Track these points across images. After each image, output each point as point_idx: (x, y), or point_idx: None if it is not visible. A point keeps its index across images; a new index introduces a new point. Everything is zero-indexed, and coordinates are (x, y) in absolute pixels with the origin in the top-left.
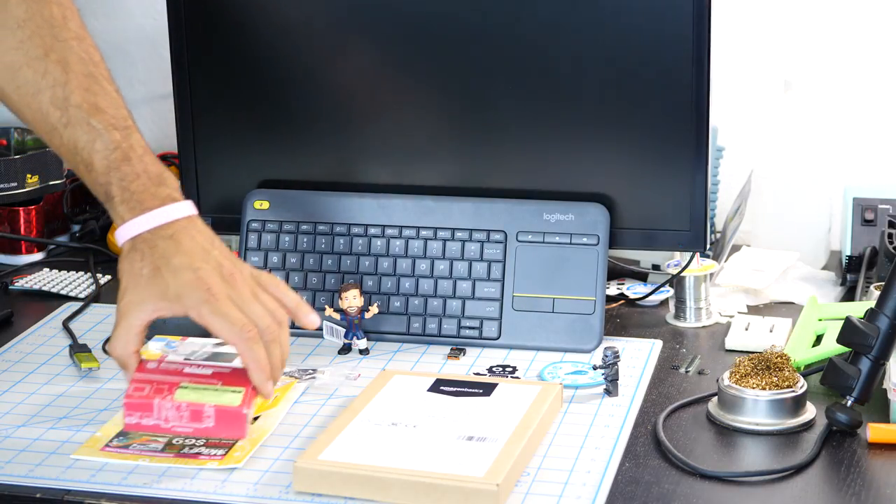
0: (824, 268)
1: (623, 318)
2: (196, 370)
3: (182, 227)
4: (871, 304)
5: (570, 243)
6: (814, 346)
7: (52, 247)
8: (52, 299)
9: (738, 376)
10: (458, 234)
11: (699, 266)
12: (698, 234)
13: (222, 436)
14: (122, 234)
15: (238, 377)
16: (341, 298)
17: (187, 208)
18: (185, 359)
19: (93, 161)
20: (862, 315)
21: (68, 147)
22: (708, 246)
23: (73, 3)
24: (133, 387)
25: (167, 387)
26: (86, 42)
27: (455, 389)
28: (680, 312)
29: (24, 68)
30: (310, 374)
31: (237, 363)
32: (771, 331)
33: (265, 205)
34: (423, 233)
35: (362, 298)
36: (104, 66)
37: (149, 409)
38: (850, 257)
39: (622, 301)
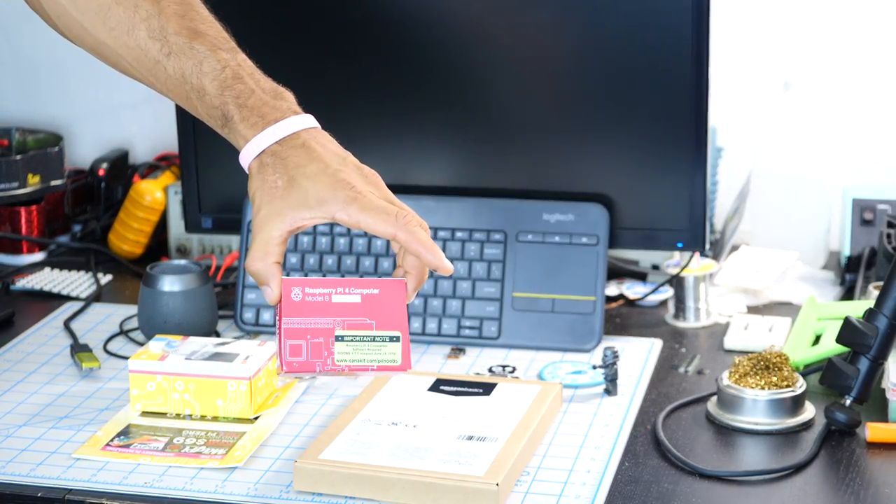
0: (823, 268)
1: (623, 318)
2: (345, 298)
3: (311, 136)
4: (870, 303)
5: (570, 243)
6: (813, 345)
7: (53, 247)
8: (53, 299)
9: (737, 376)
10: (458, 234)
11: (699, 266)
12: (698, 234)
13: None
14: (248, 153)
15: (390, 308)
16: None
17: (311, 120)
18: (186, 358)
19: (203, 85)
20: (861, 315)
21: (175, 78)
22: (707, 246)
23: None
24: (288, 346)
25: (323, 341)
26: None
27: (455, 389)
28: (679, 312)
29: (113, 7)
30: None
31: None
32: (770, 330)
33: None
34: None
35: None
36: None
37: (311, 369)
38: (848, 257)
39: (622, 301)
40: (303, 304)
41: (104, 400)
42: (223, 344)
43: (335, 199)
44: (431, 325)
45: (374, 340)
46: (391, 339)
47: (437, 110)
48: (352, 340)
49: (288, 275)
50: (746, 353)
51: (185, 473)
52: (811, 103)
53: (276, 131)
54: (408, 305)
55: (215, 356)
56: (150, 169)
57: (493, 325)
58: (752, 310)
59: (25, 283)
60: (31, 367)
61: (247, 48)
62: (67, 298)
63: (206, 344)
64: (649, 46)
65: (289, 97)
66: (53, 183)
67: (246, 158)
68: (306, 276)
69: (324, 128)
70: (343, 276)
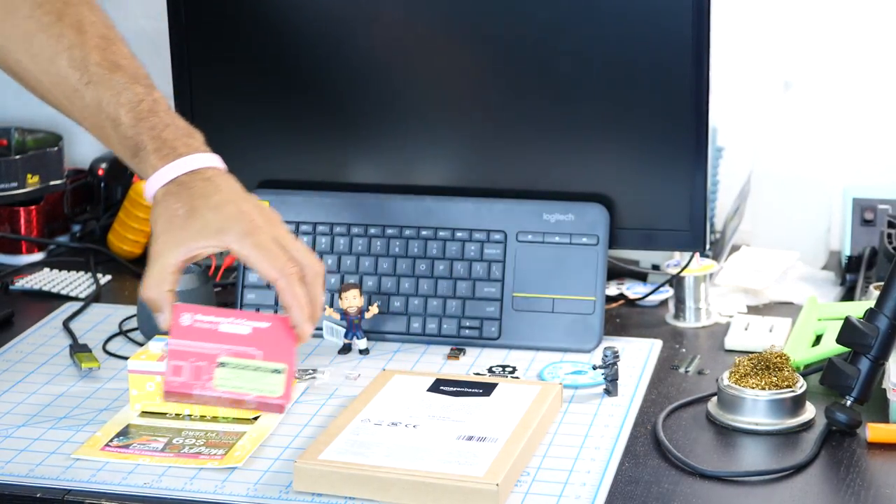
0: (824, 268)
1: (623, 318)
2: (233, 328)
3: (217, 173)
4: (871, 304)
5: (570, 243)
6: (813, 345)
7: (52, 247)
8: (52, 299)
9: (737, 376)
10: (458, 234)
11: (699, 266)
12: (698, 234)
13: (262, 412)
14: (155, 182)
15: (278, 343)
16: (341, 298)
17: (218, 161)
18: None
19: (119, 115)
20: (861, 315)
21: (92, 106)
22: (707, 246)
23: None
24: (171, 366)
25: (206, 364)
26: (96, 9)
27: (455, 389)
28: (679, 312)
29: (38, 34)
30: (310, 374)
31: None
32: (770, 331)
33: (265, 205)
34: (423, 233)
35: (362, 298)
36: (116, 29)
37: (189, 397)
38: (849, 257)
39: (622, 301)
40: (191, 329)
41: (103, 400)
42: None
43: (232, 230)
44: (431, 325)
45: (256, 370)
46: (274, 371)
47: (437, 110)
48: (234, 367)
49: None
50: (747, 353)
51: (184, 474)
52: (811, 103)
53: (186, 163)
54: (398, 311)
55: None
56: None
57: (493, 325)
58: (753, 310)
59: (24, 283)
60: (31, 367)
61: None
62: (67, 298)
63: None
64: (649, 46)
65: (199, 137)
66: (53, 183)
67: (153, 187)
68: None
69: (324, 128)
70: (343, 277)
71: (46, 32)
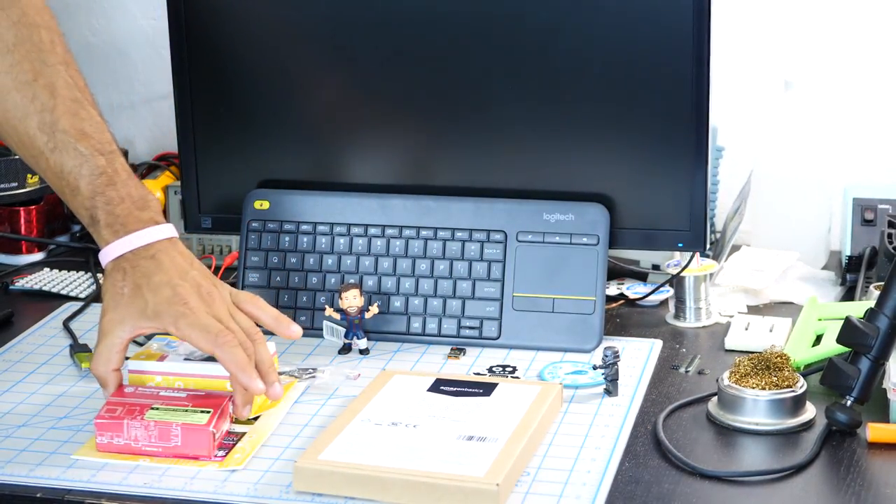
0: (824, 268)
1: (623, 318)
2: (171, 394)
3: (162, 249)
4: (871, 304)
5: (570, 243)
6: (813, 345)
7: (52, 247)
8: (52, 299)
9: (737, 376)
10: (458, 234)
11: (699, 266)
12: (698, 234)
13: (190, 454)
14: (105, 256)
15: (211, 400)
16: (341, 298)
17: (168, 231)
18: (185, 358)
19: (79, 186)
20: (862, 315)
21: (54, 171)
22: (708, 246)
23: (58, 27)
24: (105, 408)
25: (138, 408)
26: (72, 67)
27: (455, 389)
28: (680, 312)
29: (12, 92)
30: (310, 374)
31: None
32: (771, 331)
33: (265, 205)
34: (423, 233)
35: (362, 298)
36: (88, 92)
37: (119, 430)
38: (849, 257)
39: (622, 301)
40: (134, 393)
41: (103, 400)
42: None
43: (167, 314)
44: (431, 325)
45: (185, 411)
46: (203, 411)
47: (437, 110)
48: (166, 410)
49: (287, 278)
50: (747, 353)
51: (184, 474)
52: (812, 103)
53: (133, 241)
54: (398, 311)
55: (211, 357)
56: (150, 169)
57: (493, 325)
58: (753, 310)
59: (24, 283)
60: (30, 367)
61: (241, 48)
62: (67, 298)
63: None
64: (649, 46)
65: (154, 206)
66: None
67: (103, 259)
68: (305, 276)
69: (324, 127)
70: (343, 276)
71: (21, 92)
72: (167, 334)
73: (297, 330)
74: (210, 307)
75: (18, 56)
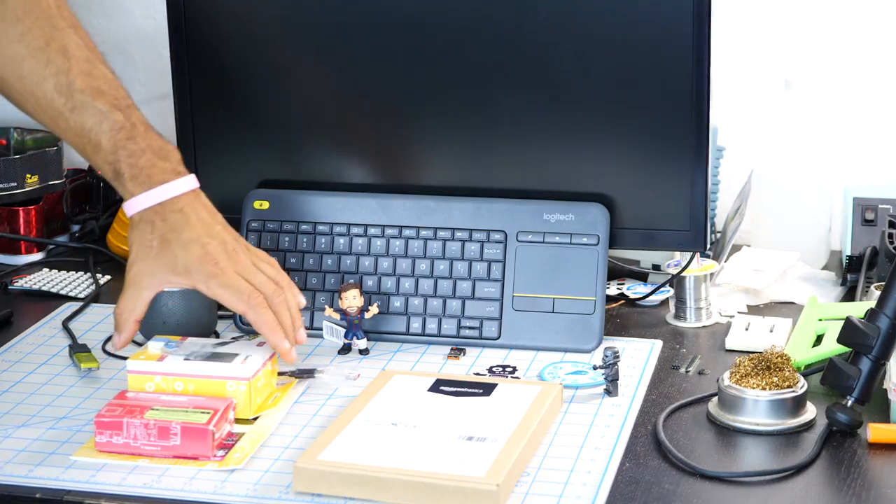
0: (824, 268)
1: (623, 318)
2: (171, 398)
3: (189, 203)
4: (872, 304)
5: (570, 243)
6: (814, 346)
7: (51, 247)
8: (51, 299)
9: (738, 376)
10: (458, 234)
11: (699, 266)
12: (698, 234)
13: (189, 454)
14: (131, 207)
15: (211, 404)
16: (341, 298)
17: (192, 182)
18: (185, 358)
19: (100, 142)
20: (862, 315)
21: (75, 130)
22: (708, 246)
23: None
24: (106, 408)
25: (139, 409)
26: (80, 29)
27: (455, 389)
28: (680, 312)
29: (27, 59)
30: (310, 374)
31: (230, 369)
32: (771, 331)
33: (265, 205)
34: (423, 233)
35: (362, 298)
36: (97, 51)
37: (118, 428)
38: (850, 257)
39: (622, 301)
40: (135, 397)
41: (103, 401)
42: (222, 344)
43: (198, 272)
44: (431, 325)
45: (186, 411)
46: (203, 411)
47: (437, 110)
48: (166, 410)
49: None
50: (747, 353)
51: (184, 474)
52: (812, 103)
53: (160, 193)
54: (398, 311)
55: (214, 356)
56: None
57: (493, 325)
58: (753, 310)
59: (24, 283)
60: (30, 367)
61: (241, 48)
62: (66, 298)
63: (206, 344)
64: (650, 46)
65: (175, 156)
66: (52, 183)
67: (129, 211)
68: (305, 276)
69: (324, 127)
70: (343, 276)
71: (35, 57)
72: (168, 339)
73: (302, 299)
74: (236, 264)
75: (28, 24)
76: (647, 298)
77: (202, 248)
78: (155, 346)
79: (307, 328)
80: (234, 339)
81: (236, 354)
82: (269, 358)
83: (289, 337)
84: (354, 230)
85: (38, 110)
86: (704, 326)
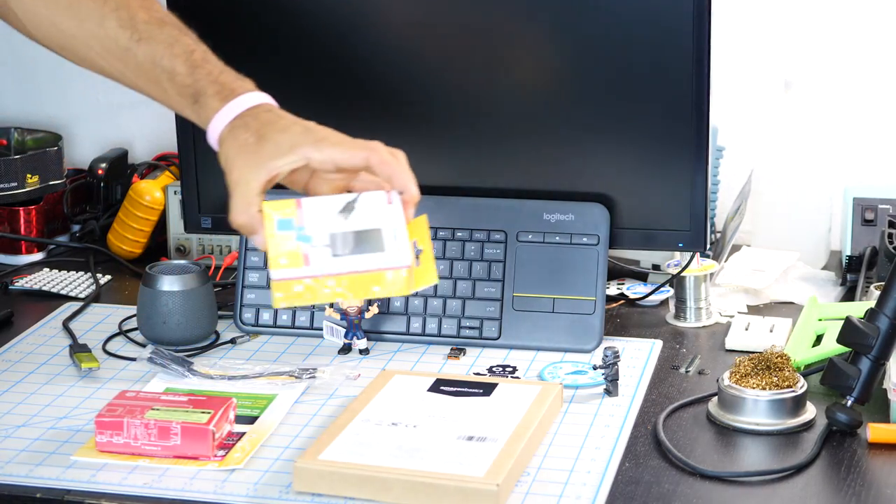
0: (824, 268)
1: (623, 318)
2: (172, 398)
3: (276, 108)
4: (871, 304)
5: (570, 243)
6: (814, 346)
7: (52, 247)
8: (52, 299)
9: (738, 376)
10: (459, 234)
11: (699, 266)
12: (698, 234)
13: (189, 453)
14: (219, 122)
15: (211, 403)
16: None
17: (271, 99)
18: (333, 255)
19: (175, 66)
20: (862, 315)
21: (146, 62)
22: (708, 246)
23: None
24: (106, 408)
25: (139, 409)
26: None
27: (455, 389)
28: (680, 312)
29: (83, 1)
30: (310, 374)
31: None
32: (771, 331)
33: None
34: None
35: None
36: None
37: (119, 428)
38: (850, 257)
39: (622, 301)
40: (136, 396)
41: (103, 401)
42: (348, 209)
43: (306, 141)
44: (431, 325)
45: (186, 411)
46: (203, 411)
47: (437, 111)
48: (166, 410)
49: None
50: (747, 353)
51: (184, 474)
52: (812, 103)
53: (246, 100)
54: (398, 311)
55: (359, 241)
56: (150, 169)
57: (493, 325)
58: (753, 310)
59: (24, 283)
60: (30, 367)
61: (244, 50)
62: (66, 298)
63: (337, 219)
64: (650, 46)
65: (250, 81)
66: (52, 183)
67: (217, 127)
68: None
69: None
70: None
71: None
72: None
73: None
74: (344, 136)
75: None
76: (647, 298)
77: (303, 126)
78: (287, 236)
79: (308, 328)
80: (353, 197)
81: (379, 230)
82: (405, 211)
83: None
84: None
85: (104, 54)
86: (704, 326)
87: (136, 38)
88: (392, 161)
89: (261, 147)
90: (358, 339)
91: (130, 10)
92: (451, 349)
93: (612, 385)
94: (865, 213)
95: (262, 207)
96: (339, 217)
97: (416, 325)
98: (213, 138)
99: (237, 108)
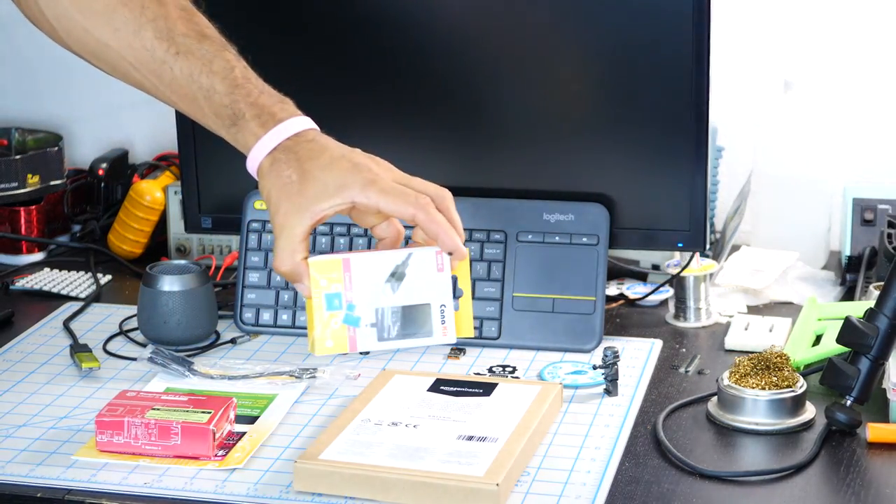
0: (824, 268)
1: (623, 318)
2: (173, 398)
3: (318, 134)
4: (871, 304)
5: (570, 243)
6: (813, 345)
7: (52, 247)
8: (52, 299)
9: (737, 376)
10: None
11: (699, 266)
12: (698, 234)
13: (189, 453)
14: (259, 151)
15: (211, 403)
16: None
17: (313, 124)
18: (378, 339)
19: (213, 84)
20: (861, 315)
21: (182, 78)
22: (708, 246)
23: None
24: (107, 408)
25: (139, 408)
26: None
27: (455, 389)
28: (680, 312)
29: (119, 8)
30: (310, 374)
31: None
32: (770, 331)
33: (265, 205)
34: None
35: None
36: (190, 2)
37: (119, 428)
38: (849, 257)
39: (622, 301)
40: (137, 396)
41: (104, 400)
42: (396, 277)
43: (354, 183)
44: None
45: (186, 411)
46: (203, 411)
47: (437, 110)
48: (167, 410)
49: None
50: (747, 353)
51: (184, 474)
52: (811, 103)
53: (288, 128)
54: None
55: (405, 319)
56: (150, 169)
57: (493, 325)
58: (753, 310)
59: (25, 283)
60: (31, 367)
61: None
62: (67, 298)
63: (381, 284)
64: (649, 46)
65: (291, 102)
66: (53, 183)
67: (257, 156)
68: None
69: (324, 128)
70: None
71: (128, 6)
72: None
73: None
74: (391, 172)
75: None
76: (647, 298)
77: (349, 161)
78: (334, 316)
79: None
80: (402, 258)
81: (427, 307)
82: (446, 266)
83: (460, 236)
84: (355, 230)
85: (138, 66)
86: (704, 326)
87: (173, 51)
88: (439, 221)
89: (304, 188)
90: None
91: (169, 20)
92: (451, 349)
93: (611, 385)
94: (865, 213)
95: (309, 265)
96: (387, 287)
97: None
98: (252, 168)
99: (278, 136)
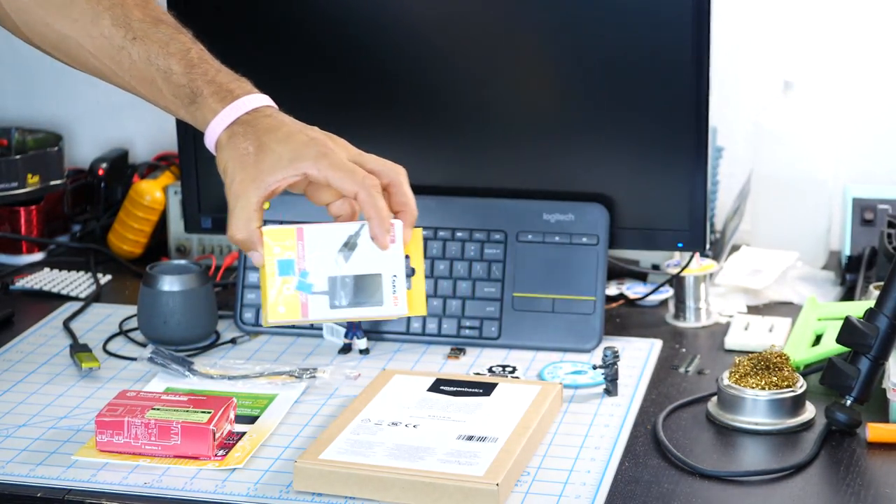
0: (824, 268)
1: (623, 318)
2: (172, 397)
3: (276, 112)
4: (871, 303)
5: (570, 243)
6: (813, 345)
7: (52, 247)
8: (52, 299)
9: (737, 376)
10: (459, 234)
11: (699, 266)
12: (698, 234)
13: (189, 453)
14: (217, 125)
15: (211, 403)
16: None
17: (271, 101)
18: (331, 306)
19: (170, 65)
20: (861, 315)
21: (140, 62)
22: (708, 246)
23: None
24: (107, 408)
25: (140, 408)
26: None
27: (455, 389)
28: (680, 312)
29: (77, 0)
30: (310, 373)
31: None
32: (770, 331)
33: (265, 205)
34: (424, 232)
35: None
36: None
37: (119, 427)
38: (849, 257)
39: (622, 301)
40: (137, 396)
41: (104, 400)
42: (349, 245)
43: (307, 156)
44: (431, 325)
45: (186, 411)
46: (203, 411)
47: (437, 110)
48: (167, 410)
49: None
50: (747, 353)
51: (184, 473)
52: (811, 103)
53: (246, 103)
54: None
55: (358, 288)
56: (150, 169)
57: (493, 325)
58: (753, 310)
59: (25, 283)
60: (31, 367)
61: (243, 51)
62: (67, 298)
63: (336, 259)
64: (649, 46)
65: (248, 81)
66: (53, 183)
67: (216, 129)
68: None
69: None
70: None
71: None
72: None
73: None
74: (346, 151)
75: None
76: (647, 298)
77: (306, 135)
78: (287, 281)
79: (308, 328)
80: (355, 230)
81: (379, 276)
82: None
83: (408, 219)
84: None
85: (96, 54)
86: (704, 326)
87: (130, 36)
88: (378, 207)
89: (260, 159)
90: (358, 338)
91: (125, 8)
92: (451, 349)
93: (611, 385)
94: (865, 213)
95: (262, 234)
96: (340, 256)
97: (416, 324)
98: (210, 142)
99: (236, 111)
